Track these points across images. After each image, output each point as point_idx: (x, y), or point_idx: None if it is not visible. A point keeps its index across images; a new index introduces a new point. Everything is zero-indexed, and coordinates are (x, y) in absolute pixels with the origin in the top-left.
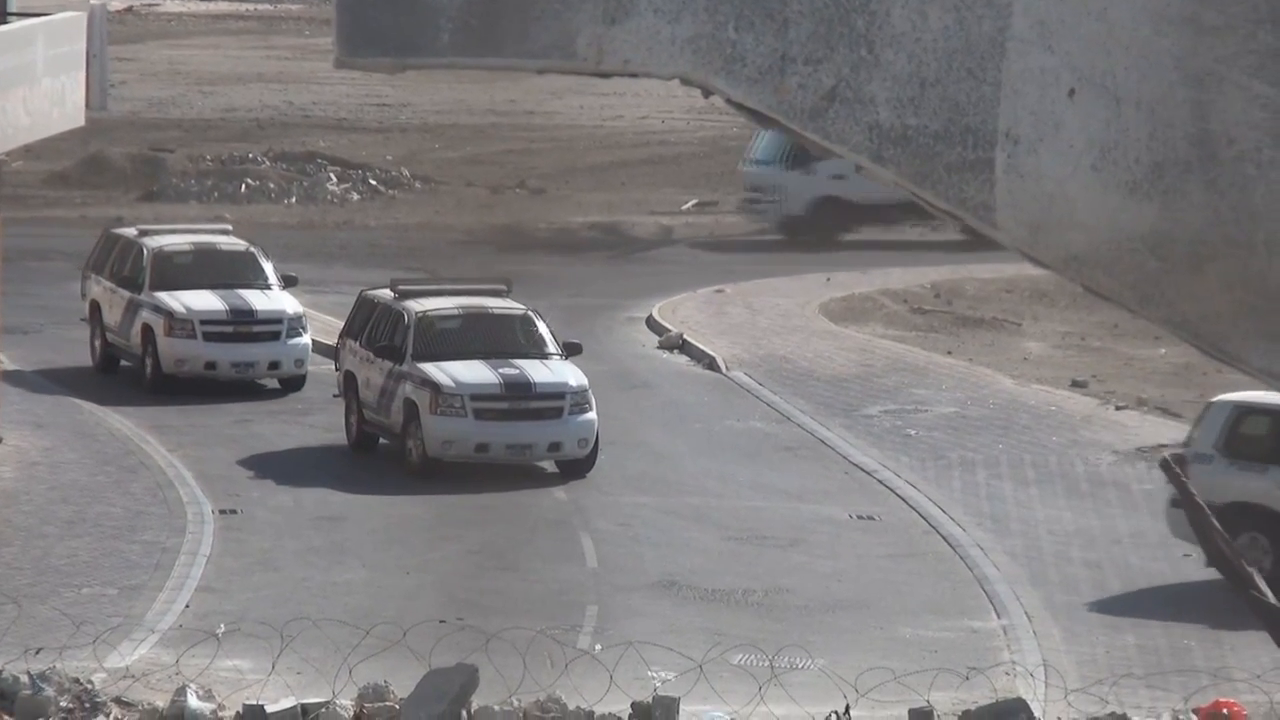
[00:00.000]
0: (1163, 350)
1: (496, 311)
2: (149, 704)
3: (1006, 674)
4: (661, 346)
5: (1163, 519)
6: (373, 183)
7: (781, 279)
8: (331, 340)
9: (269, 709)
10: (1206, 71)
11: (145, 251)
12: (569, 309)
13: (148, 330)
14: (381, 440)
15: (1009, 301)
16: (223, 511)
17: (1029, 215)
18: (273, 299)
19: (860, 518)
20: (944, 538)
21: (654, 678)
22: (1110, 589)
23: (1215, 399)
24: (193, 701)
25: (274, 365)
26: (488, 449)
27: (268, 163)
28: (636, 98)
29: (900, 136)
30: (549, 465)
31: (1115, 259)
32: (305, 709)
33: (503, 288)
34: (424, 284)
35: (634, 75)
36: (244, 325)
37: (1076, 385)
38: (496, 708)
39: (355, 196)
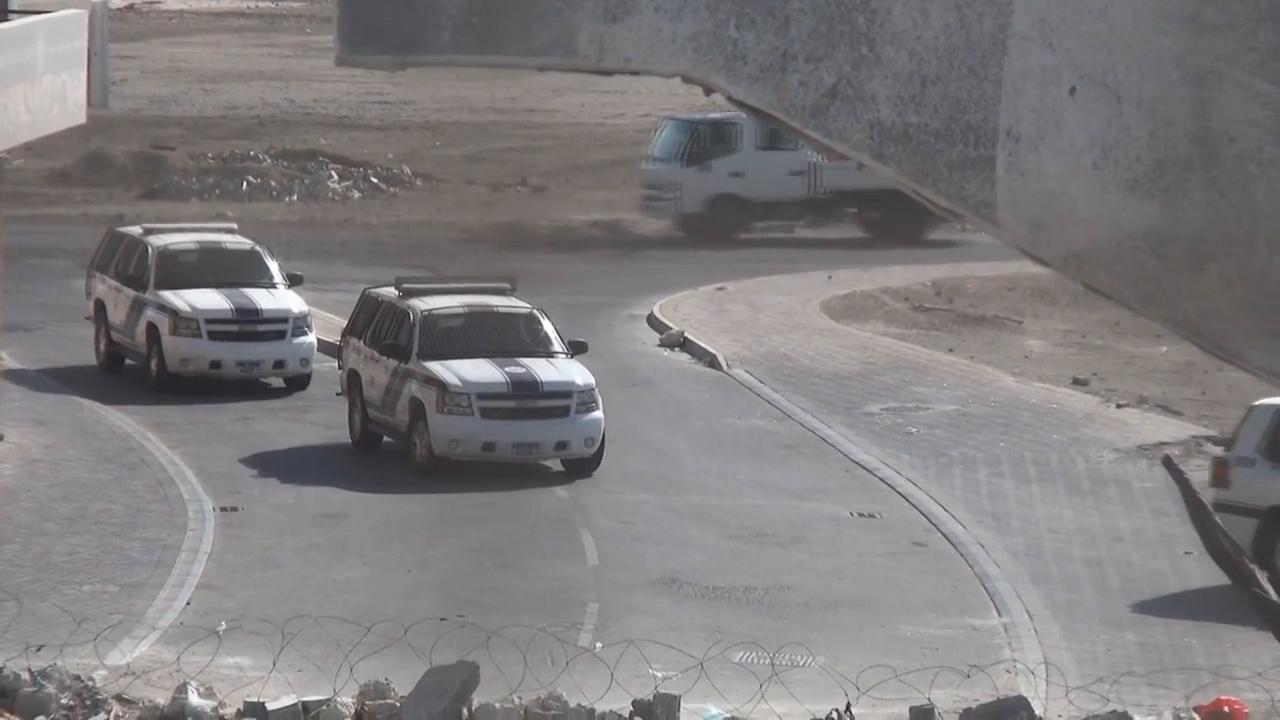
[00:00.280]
0: (1164, 348)
1: (502, 310)
2: (150, 701)
3: (1007, 672)
4: (662, 344)
5: (1164, 516)
6: (374, 180)
7: (783, 276)
8: (333, 338)
9: (270, 706)
10: (1207, 69)
11: (150, 250)
12: (570, 307)
13: (152, 329)
14: (385, 439)
15: (1010, 299)
16: (223, 509)
17: (1030, 213)
18: (278, 298)
19: (861, 515)
20: (945, 535)
21: (655, 675)
22: (1111, 587)
23: (1257, 403)
24: (194, 699)
25: (279, 364)
26: (494, 448)
27: (269, 160)
28: (638, 95)
29: (901, 134)
30: (554, 464)
31: (1116, 257)
32: (306, 707)
33: (507, 286)
34: (428, 282)
35: (635, 73)
36: (249, 324)
37: (1078, 383)
38: (497, 705)
39: (356, 194)
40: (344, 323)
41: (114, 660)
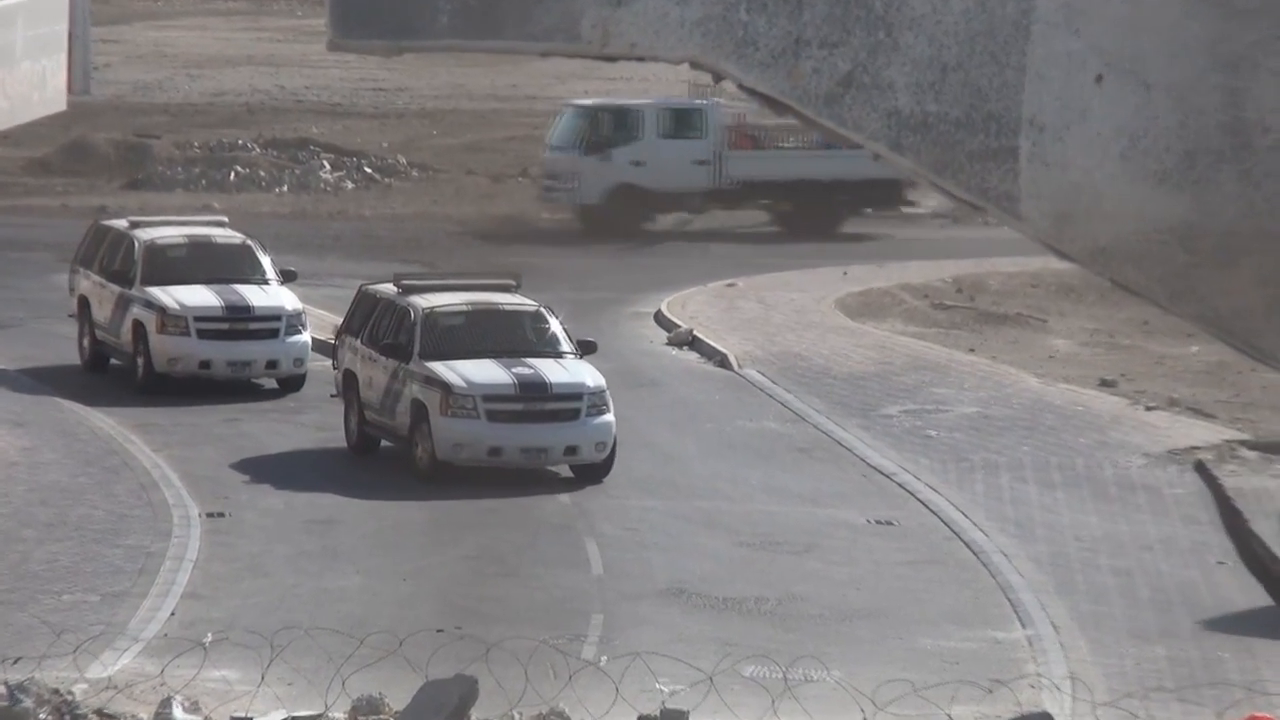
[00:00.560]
0: (1195, 348)
1: (507, 308)
2: (132, 716)
3: (1031, 687)
4: (670, 343)
5: (1195, 524)
6: (368, 171)
7: (796, 273)
8: (325, 337)
9: None
10: (1240, 56)
11: (137, 244)
12: (573, 303)
13: (139, 327)
14: (384, 443)
15: (1034, 297)
16: (210, 515)
17: (1054, 206)
18: (271, 294)
19: (878, 522)
20: (966, 544)
21: (662, 690)
22: (1140, 598)
23: None
24: (178, 714)
25: (272, 364)
26: (501, 452)
27: (258, 150)
28: (645, 83)
29: (920, 124)
30: (561, 470)
31: (1144, 252)
32: None
33: (512, 282)
34: (428, 278)
35: (641, 59)
36: (240, 322)
37: (1105, 384)
38: None
39: (349, 185)
40: (337, 320)
41: (95, 673)
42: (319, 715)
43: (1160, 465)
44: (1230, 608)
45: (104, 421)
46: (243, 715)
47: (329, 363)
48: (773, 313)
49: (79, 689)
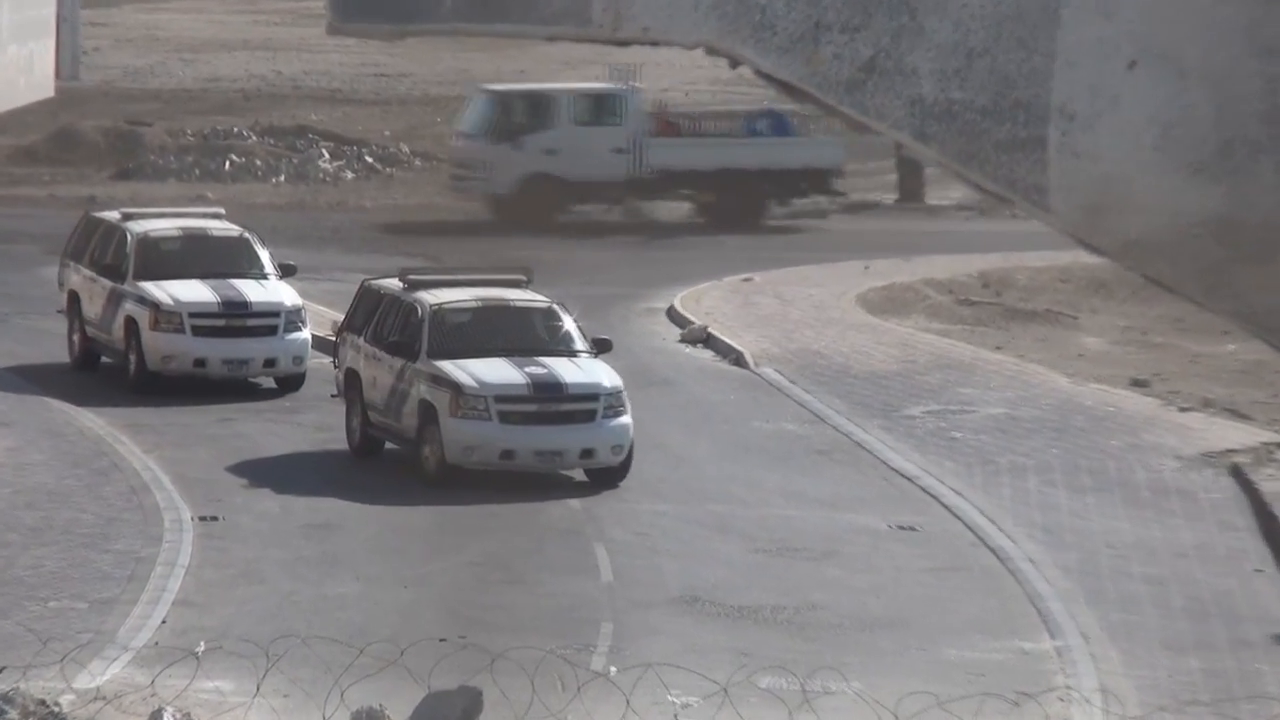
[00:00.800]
0: (1231, 346)
1: (518, 304)
2: None
3: (1060, 700)
4: (684, 340)
5: (1231, 530)
6: (369, 160)
7: (815, 267)
8: (324, 333)
9: None
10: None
11: (129, 237)
12: (582, 298)
13: (131, 323)
14: (388, 445)
15: (1064, 292)
16: (203, 518)
17: (1085, 198)
18: (269, 290)
19: (900, 528)
20: (992, 550)
21: (674, 702)
22: (1174, 607)
23: None
24: None
25: (270, 363)
26: (514, 456)
27: (254, 138)
28: (657, 68)
29: (944, 112)
30: (575, 474)
31: (1178, 246)
32: None
33: (523, 278)
34: (435, 273)
35: (654, 44)
36: (237, 318)
37: (1137, 384)
38: None
39: (350, 175)
40: (337, 316)
41: (83, 683)
42: None
43: (1195, 469)
44: (1268, 617)
45: (93, 421)
46: None
47: (328, 361)
48: (791, 309)
49: (66, 700)
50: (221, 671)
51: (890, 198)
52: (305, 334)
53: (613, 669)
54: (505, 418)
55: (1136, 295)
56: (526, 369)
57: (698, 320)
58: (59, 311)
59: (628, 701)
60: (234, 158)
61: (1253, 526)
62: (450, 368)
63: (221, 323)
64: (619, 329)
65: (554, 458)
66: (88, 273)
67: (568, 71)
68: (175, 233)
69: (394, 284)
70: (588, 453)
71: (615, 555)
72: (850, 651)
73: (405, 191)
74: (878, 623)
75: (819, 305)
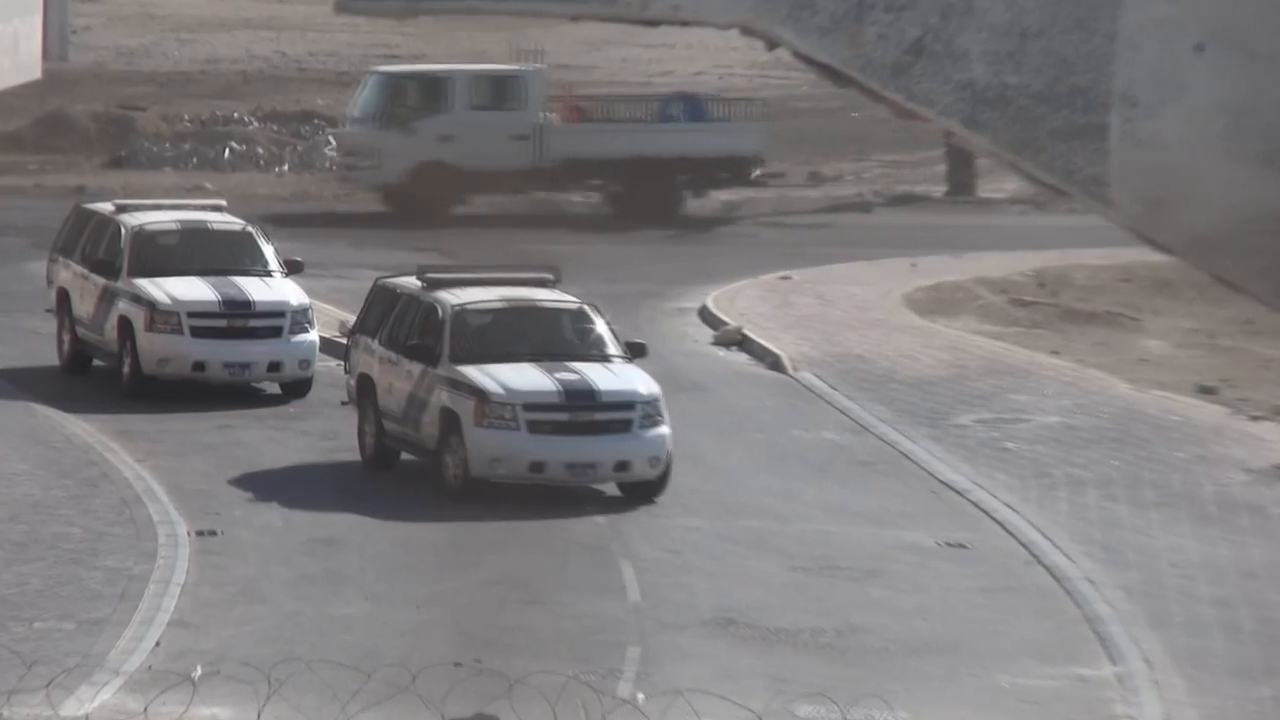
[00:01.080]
0: None
1: (547, 305)
2: None
3: None
4: (717, 342)
5: None
6: None
7: (858, 264)
8: (330, 334)
9: None
10: None
11: (123, 231)
12: (607, 297)
13: (125, 324)
14: (404, 456)
15: (1125, 292)
16: (200, 533)
17: (1147, 190)
18: (274, 288)
19: (949, 545)
20: (1047, 569)
21: None
22: (1243, 631)
23: None
24: None
25: (274, 366)
26: (544, 468)
27: (255, 124)
28: (689, 50)
29: (997, 97)
30: (608, 487)
31: (1248, 242)
32: None
33: (550, 276)
34: (455, 270)
35: (685, 24)
36: (239, 319)
37: (1204, 391)
38: None
39: None
40: (344, 316)
41: (70, 710)
42: None
43: (1266, 482)
44: None
45: (82, 428)
46: None
47: (335, 364)
48: (832, 309)
49: None
50: (219, 698)
51: (939, 190)
52: (312, 336)
53: (640, 696)
54: (534, 427)
55: (1204, 295)
56: (557, 375)
57: (732, 321)
58: (47, 310)
59: None
60: (234, 145)
61: None
62: (475, 373)
63: (222, 323)
64: (647, 330)
65: (587, 471)
66: (78, 269)
67: (592, 54)
68: (173, 226)
69: (411, 283)
70: (623, 465)
71: (643, 573)
72: (895, 678)
73: None
74: (925, 647)
75: (862, 305)
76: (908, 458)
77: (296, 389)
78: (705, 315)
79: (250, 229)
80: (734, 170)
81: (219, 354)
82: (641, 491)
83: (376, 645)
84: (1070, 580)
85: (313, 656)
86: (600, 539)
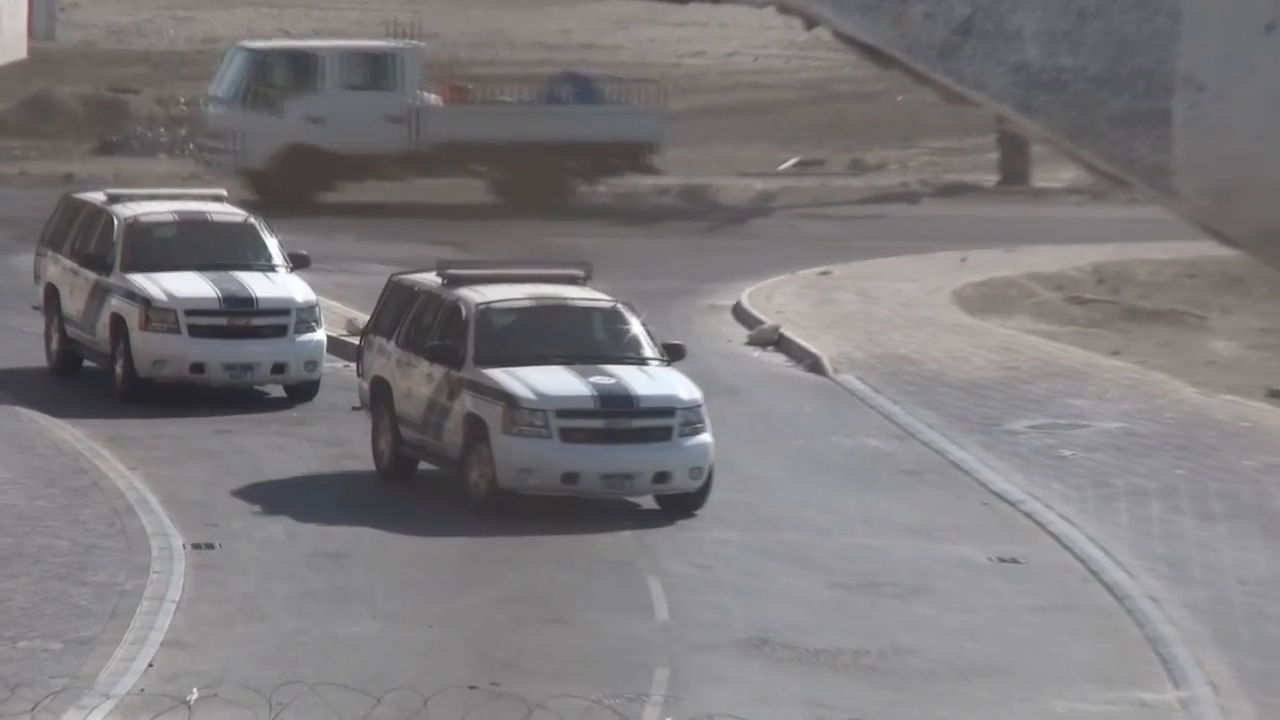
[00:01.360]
0: None
1: (578, 303)
2: None
3: None
4: (752, 342)
5: None
6: None
7: (904, 258)
8: (337, 333)
9: None
10: None
11: (116, 222)
12: (635, 294)
13: (118, 322)
14: (422, 465)
15: (1191, 289)
16: (196, 546)
17: (1215, 180)
18: (278, 284)
19: (1001, 560)
20: (1106, 586)
21: None
22: None
23: None
24: None
25: (279, 368)
26: (577, 480)
27: None
28: (722, 29)
29: (1053, 81)
30: (644, 499)
31: None
32: None
33: (580, 273)
34: (479, 268)
35: (718, 1)
36: (241, 317)
37: (1276, 396)
38: None
39: None
40: (352, 313)
41: None
42: None
43: None
44: None
45: (71, 434)
46: None
47: (341, 365)
48: (875, 307)
49: None
50: None
51: (990, 179)
52: (319, 335)
53: None
54: (568, 435)
55: (1275, 293)
56: (591, 379)
57: (768, 319)
58: (34, 307)
59: None
60: None
61: None
62: (503, 377)
63: (223, 321)
64: (679, 330)
65: (623, 482)
66: (68, 263)
67: (618, 33)
68: (169, 217)
69: (430, 279)
70: (662, 476)
71: (672, 590)
72: (943, 703)
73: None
74: (974, 669)
75: (908, 303)
76: (957, 466)
77: (302, 392)
78: (739, 313)
79: (252, 220)
80: (628, 157)
81: (219, 354)
82: (680, 504)
83: (385, 667)
84: (1131, 598)
85: (317, 679)
86: (626, 553)
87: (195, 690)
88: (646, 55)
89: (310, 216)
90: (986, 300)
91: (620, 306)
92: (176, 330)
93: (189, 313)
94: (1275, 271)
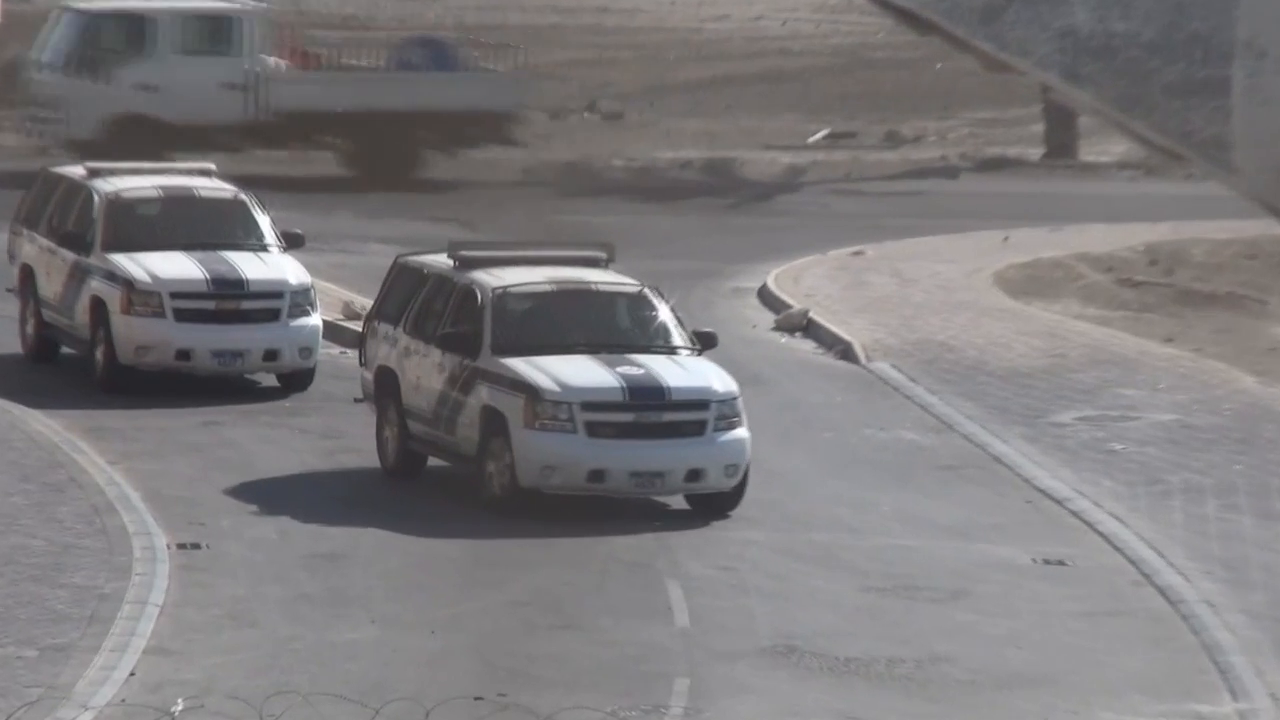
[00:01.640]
0: None
1: (602, 288)
2: None
3: None
4: (779, 327)
5: None
6: None
7: (942, 238)
8: (333, 317)
9: None
10: None
11: (96, 198)
12: (655, 276)
13: (99, 305)
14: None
15: (1251, 271)
16: (181, 546)
17: (1276, 154)
18: (270, 265)
19: (1046, 562)
20: (1159, 590)
21: None
22: None
23: None
24: None
25: (271, 355)
26: (604, 478)
27: None
28: (753, 6)
29: (1102, 47)
30: (674, 499)
31: None
32: None
33: (602, 255)
34: (493, 248)
35: None
36: (230, 300)
37: None
38: None
39: None
40: (349, 296)
41: None
42: None
43: None
44: None
45: (46, 425)
46: None
47: (337, 352)
48: (912, 289)
49: None
50: None
51: (1035, 153)
52: (314, 320)
53: None
54: (594, 430)
55: None
56: (619, 369)
57: (796, 303)
58: (8, 290)
59: None
60: None
61: None
62: (523, 366)
63: (211, 305)
64: (701, 314)
65: (654, 480)
66: (44, 242)
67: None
68: (153, 193)
69: (441, 261)
70: (695, 474)
71: (693, 594)
72: (983, 714)
73: None
74: (1017, 679)
75: (947, 285)
76: (999, 461)
77: (296, 381)
78: (766, 296)
79: (243, 196)
80: (486, 127)
81: (206, 340)
82: (714, 504)
83: (385, 676)
84: (1186, 603)
85: (311, 689)
86: (644, 555)
87: (180, 701)
88: (665, 20)
89: (305, 192)
90: (1031, 283)
91: (648, 291)
92: (161, 314)
93: (174, 295)
94: None
